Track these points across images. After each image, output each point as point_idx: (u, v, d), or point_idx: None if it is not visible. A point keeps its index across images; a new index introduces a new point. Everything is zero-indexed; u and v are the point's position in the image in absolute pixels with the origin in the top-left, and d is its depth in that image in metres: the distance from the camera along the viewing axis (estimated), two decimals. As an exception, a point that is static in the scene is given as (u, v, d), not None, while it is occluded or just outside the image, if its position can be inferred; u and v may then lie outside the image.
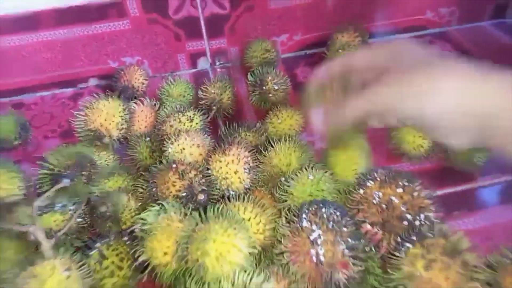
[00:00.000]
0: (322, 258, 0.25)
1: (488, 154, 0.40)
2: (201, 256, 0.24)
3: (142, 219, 0.29)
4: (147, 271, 0.29)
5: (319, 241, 0.26)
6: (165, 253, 0.28)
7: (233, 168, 0.34)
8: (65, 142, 0.49)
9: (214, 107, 0.48)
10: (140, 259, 0.29)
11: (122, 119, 0.42)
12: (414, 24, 0.61)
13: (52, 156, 0.35)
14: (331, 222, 0.26)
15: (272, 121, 0.45)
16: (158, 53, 0.56)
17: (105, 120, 0.41)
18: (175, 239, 0.27)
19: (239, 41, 0.56)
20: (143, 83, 0.52)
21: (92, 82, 0.57)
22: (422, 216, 0.27)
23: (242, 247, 0.24)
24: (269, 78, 0.49)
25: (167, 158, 0.36)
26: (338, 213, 0.27)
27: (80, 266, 0.28)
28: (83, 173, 0.35)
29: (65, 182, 0.33)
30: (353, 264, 0.25)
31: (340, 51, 0.53)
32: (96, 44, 0.54)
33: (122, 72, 0.52)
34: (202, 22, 0.54)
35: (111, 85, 0.52)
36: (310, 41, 0.59)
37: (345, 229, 0.26)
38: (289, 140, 0.38)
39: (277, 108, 0.46)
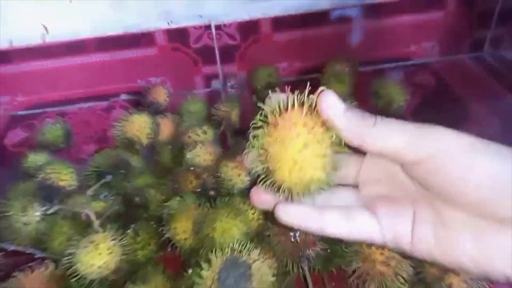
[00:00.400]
0: (298, 239, 0.35)
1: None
2: (211, 231, 0.34)
3: (168, 206, 0.39)
4: (169, 244, 0.39)
5: (298, 235, 0.35)
6: (184, 231, 0.37)
7: (236, 172, 0.44)
8: (99, 147, 0.60)
9: (223, 123, 0.58)
10: (165, 236, 0.39)
11: (151, 129, 0.52)
12: (400, 56, 0.71)
13: (99, 157, 0.45)
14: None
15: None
16: (179, 75, 0.67)
17: (137, 130, 0.51)
18: (192, 221, 0.37)
19: (247, 67, 0.67)
20: (165, 100, 0.62)
21: (123, 97, 0.68)
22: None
23: (240, 226, 0.34)
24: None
25: (186, 162, 0.47)
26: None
27: (121, 239, 0.38)
28: (121, 171, 0.45)
29: (108, 177, 0.44)
30: (320, 243, 0.35)
31: (331, 78, 0.63)
32: (128, 66, 0.65)
33: (149, 90, 0.62)
34: (216, 51, 0.65)
35: (139, 100, 0.63)
36: (307, 68, 0.70)
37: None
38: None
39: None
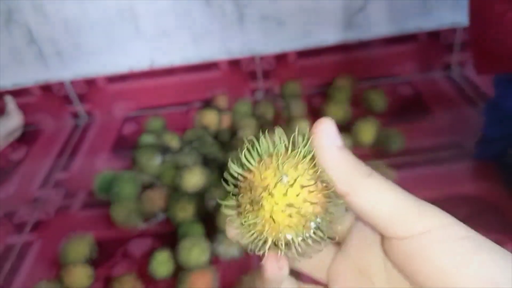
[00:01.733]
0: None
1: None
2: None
3: (229, 155, 0.71)
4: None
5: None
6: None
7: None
8: (182, 132, 0.93)
9: (261, 119, 0.90)
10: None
11: (217, 120, 0.85)
12: (387, 74, 1.00)
13: (188, 133, 0.78)
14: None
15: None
16: (234, 88, 1.00)
17: (209, 120, 0.85)
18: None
19: (279, 81, 0.99)
20: (225, 104, 0.95)
21: (197, 103, 1.03)
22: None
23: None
24: (293, 103, 0.90)
25: (238, 138, 0.79)
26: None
27: (204, 171, 0.70)
28: (201, 141, 0.78)
29: (194, 144, 0.77)
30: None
31: (336, 89, 0.93)
32: (201, 83, 0.99)
33: (215, 98, 0.96)
34: (258, 72, 0.98)
35: (209, 104, 0.96)
36: (320, 83, 1.00)
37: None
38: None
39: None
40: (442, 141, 0.81)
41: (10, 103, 0.97)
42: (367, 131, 0.80)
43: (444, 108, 0.90)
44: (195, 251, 0.60)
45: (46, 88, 0.99)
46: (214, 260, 0.64)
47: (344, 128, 0.84)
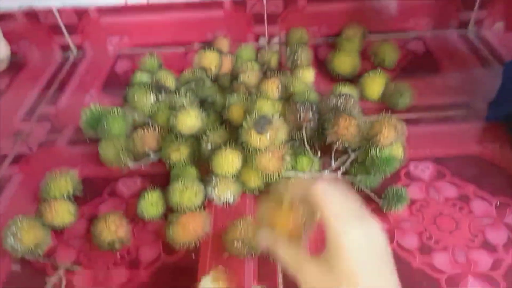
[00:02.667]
0: (301, 118, 0.61)
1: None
2: (252, 109, 0.61)
3: (228, 99, 0.66)
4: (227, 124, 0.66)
5: (302, 114, 0.61)
6: (238, 114, 0.64)
7: (271, 86, 0.70)
8: (178, 75, 0.87)
9: (265, 65, 0.84)
10: (225, 118, 0.66)
11: (217, 63, 0.80)
12: (400, 28, 0.94)
13: (186, 73, 0.73)
14: (309, 108, 0.62)
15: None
16: (237, 31, 0.94)
17: (209, 62, 0.79)
18: (243, 108, 0.64)
19: (285, 28, 0.93)
20: (227, 47, 0.89)
21: (196, 45, 0.96)
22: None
23: (269, 105, 0.61)
24: (299, 51, 0.84)
25: (239, 81, 0.73)
26: (313, 104, 0.62)
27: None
28: (199, 82, 0.73)
29: (192, 84, 0.72)
30: (313, 120, 0.61)
31: (344, 40, 0.88)
32: (201, 23, 0.93)
33: (216, 40, 0.90)
34: (265, 16, 0.91)
35: (209, 46, 0.90)
36: (330, 32, 0.94)
37: (312, 110, 0.61)
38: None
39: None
40: (453, 100, 0.77)
41: (-3, 30, 0.90)
42: (375, 85, 0.76)
43: (457, 67, 0.85)
44: (187, 193, 0.57)
45: (32, 15, 0.91)
46: (207, 204, 0.61)
47: (351, 80, 0.79)
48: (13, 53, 0.94)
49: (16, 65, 0.95)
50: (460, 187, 0.61)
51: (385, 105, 0.76)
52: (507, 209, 0.57)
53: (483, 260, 0.51)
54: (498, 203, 0.58)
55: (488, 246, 0.53)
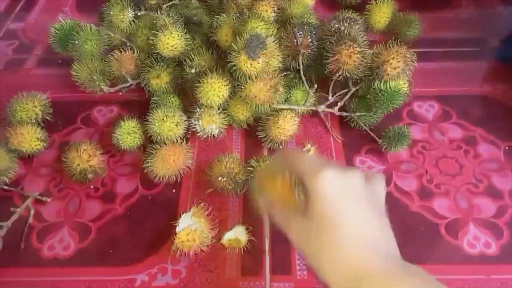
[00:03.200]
0: (299, 42, 0.54)
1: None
2: (243, 30, 0.53)
3: (216, 19, 0.58)
4: (214, 46, 0.58)
5: (299, 40, 0.54)
6: (226, 35, 0.57)
7: (264, 8, 0.62)
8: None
9: None
10: (213, 39, 0.58)
11: None
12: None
13: None
14: (308, 32, 0.54)
15: None
16: None
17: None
18: (232, 28, 0.56)
19: None
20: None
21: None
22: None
23: (263, 26, 0.53)
24: None
25: None
26: (312, 28, 0.55)
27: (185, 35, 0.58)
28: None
29: (175, 1, 0.63)
30: (312, 47, 0.54)
31: None
32: None
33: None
34: None
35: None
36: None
37: (311, 34, 0.54)
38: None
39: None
40: (464, 35, 0.70)
41: None
42: (382, 13, 0.68)
43: (471, 0, 0.77)
44: (168, 122, 0.51)
45: None
46: (191, 137, 0.56)
47: (356, 8, 0.71)
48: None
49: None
50: (467, 129, 0.56)
51: (391, 36, 0.68)
52: (516, 154, 0.53)
53: (487, 206, 0.48)
54: (507, 147, 0.53)
55: (493, 192, 0.49)
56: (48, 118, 0.57)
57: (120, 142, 0.53)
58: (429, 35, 0.69)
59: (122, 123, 0.53)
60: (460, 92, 0.61)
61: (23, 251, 0.46)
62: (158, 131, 0.51)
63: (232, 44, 0.50)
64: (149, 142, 0.53)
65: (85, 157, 0.51)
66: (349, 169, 0.32)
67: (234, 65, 0.49)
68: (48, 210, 0.50)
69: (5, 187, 0.52)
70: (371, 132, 0.54)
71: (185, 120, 0.53)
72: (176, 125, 0.52)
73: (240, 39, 0.49)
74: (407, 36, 0.66)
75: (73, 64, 0.59)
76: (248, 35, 0.49)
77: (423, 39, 0.68)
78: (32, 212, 0.50)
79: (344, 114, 0.57)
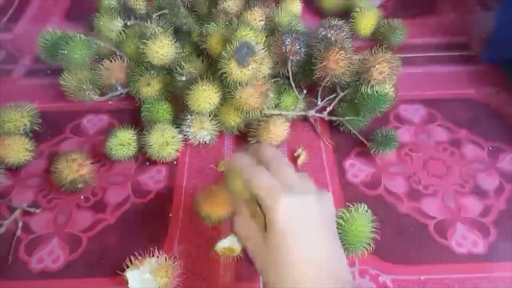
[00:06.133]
0: (287, 49, 0.55)
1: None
2: (233, 37, 0.54)
3: (206, 27, 0.59)
4: (204, 54, 0.59)
5: (288, 47, 0.55)
6: (216, 43, 0.57)
7: (253, 17, 0.62)
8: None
9: None
10: (202, 47, 0.59)
11: None
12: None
13: (159, -3, 0.65)
14: (296, 39, 0.55)
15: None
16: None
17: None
18: (222, 37, 0.57)
19: None
20: None
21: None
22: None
23: (252, 34, 0.54)
24: None
25: (219, 8, 0.66)
26: (300, 35, 0.56)
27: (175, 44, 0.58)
28: (173, 9, 0.64)
29: (165, 10, 0.64)
30: (300, 53, 0.55)
31: None
32: None
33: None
34: None
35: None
36: None
37: (299, 41, 0.55)
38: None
39: None
40: (447, 40, 0.72)
41: None
42: (367, 20, 0.70)
43: (452, 6, 0.79)
44: (169, 148, 0.53)
45: None
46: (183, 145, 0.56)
47: (342, 15, 0.72)
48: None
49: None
50: (452, 131, 0.57)
51: (376, 42, 0.70)
52: (499, 154, 0.54)
53: (473, 205, 0.49)
54: (491, 147, 0.55)
55: (479, 192, 0.50)
56: (36, 128, 0.57)
57: (113, 152, 0.53)
58: (413, 41, 0.70)
59: (116, 133, 0.53)
60: (445, 95, 0.62)
61: (10, 264, 0.46)
62: (157, 155, 0.52)
63: (222, 52, 0.50)
64: (141, 153, 0.54)
65: (75, 167, 0.50)
66: (304, 189, 0.33)
67: (224, 72, 0.50)
68: (37, 221, 0.50)
69: (-7, 199, 0.51)
70: (359, 136, 0.55)
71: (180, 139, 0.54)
72: (175, 149, 0.53)
73: (230, 47, 0.50)
74: (392, 42, 0.68)
75: (62, 74, 0.59)
76: (238, 43, 0.49)
77: (408, 44, 0.69)
78: (20, 224, 0.49)
79: (334, 118, 0.57)
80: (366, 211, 0.39)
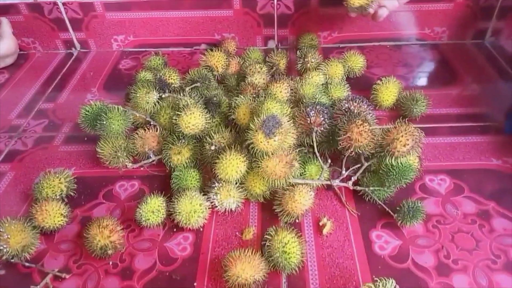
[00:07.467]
0: (312, 121, 0.57)
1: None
2: (260, 111, 0.57)
3: (235, 100, 0.63)
4: (232, 125, 0.62)
5: (312, 118, 0.57)
6: (244, 114, 0.60)
7: (279, 88, 0.66)
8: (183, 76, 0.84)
9: (274, 67, 0.81)
10: (231, 117, 0.62)
11: (224, 63, 0.76)
12: (417, 36, 0.91)
13: (192, 72, 0.70)
14: (320, 111, 0.58)
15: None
16: (246, 32, 0.91)
17: (216, 61, 0.76)
18: (249, 108, 0.60)
19: (296, 32, 0.89)
20: (235, 49, 0.86)
21: (203, 46, 0.93)
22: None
23: (278, 108, 0.57)
24: (309, 55, 0.81)
25: (246, 82, 0.70)
26: (324, 108, 0.59)
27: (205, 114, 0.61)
28: (205, 82, 0.69)
29: (198, 84, 0.68)
30: (324, 125, 0.57)
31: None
32: (210, 23, 0.90)
33: (224, 41, 0.86)
34: (275, 17, 0.88)
35: (216, 48, 0.87)
36: (342, 39, 0.91)
37: (323, 113, 0.58)
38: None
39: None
40: (469, 111, 0.73)
41: (6, 26, 0.87)
42: (388, 92, 0.72)
43: (473, 77, 0.81)
44: (195, 216, 0.54)
45: (35, 7, 0.88)
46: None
47: (363, 87, 0.76)
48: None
49: (18, 59, 0.92)
50: (480, 202, 0.57)
51: (398, 113, 0.72)
52: (530, 229, 0.53)
53: (507, 283, 0.47)
54: (521, 222, 0.54)
55: (512, 268, 0.48)
56: (72, 193, 0.60)
57: (143, 219, 0.54)
58: (435, 111, 0.72)
59: (147, 200, 0.55)
60: (469, 166, 0.62)
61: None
62: (185, 222, 0.54)
63: (250, 123, 0.53)
64: (169, 219, 0.55)
65: (106, 233, 0.52)
66: None
67: (252, 143, 0.52)
68: (66, 287, 0.51)
69: (26, 263, 0.53)
70: (385, 207, 0.55)
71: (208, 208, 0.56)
72: (202, 217, 0.55)
73: (257, 119, 0.52)
74: (414, 112, 0.70)
75: (99, 141, 0.63)
76: (264, 116, 0.52)
77: (430, 115, 0.71)
78: (51, 288, 0.50)
79: (358, 188, 0.58)
80: (395, 287, 0.38)
